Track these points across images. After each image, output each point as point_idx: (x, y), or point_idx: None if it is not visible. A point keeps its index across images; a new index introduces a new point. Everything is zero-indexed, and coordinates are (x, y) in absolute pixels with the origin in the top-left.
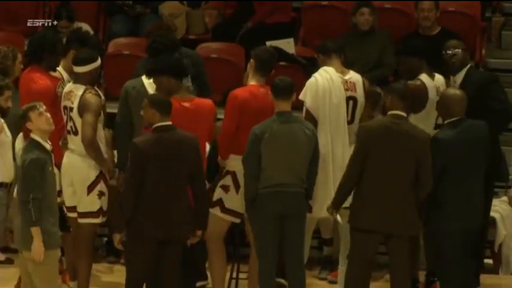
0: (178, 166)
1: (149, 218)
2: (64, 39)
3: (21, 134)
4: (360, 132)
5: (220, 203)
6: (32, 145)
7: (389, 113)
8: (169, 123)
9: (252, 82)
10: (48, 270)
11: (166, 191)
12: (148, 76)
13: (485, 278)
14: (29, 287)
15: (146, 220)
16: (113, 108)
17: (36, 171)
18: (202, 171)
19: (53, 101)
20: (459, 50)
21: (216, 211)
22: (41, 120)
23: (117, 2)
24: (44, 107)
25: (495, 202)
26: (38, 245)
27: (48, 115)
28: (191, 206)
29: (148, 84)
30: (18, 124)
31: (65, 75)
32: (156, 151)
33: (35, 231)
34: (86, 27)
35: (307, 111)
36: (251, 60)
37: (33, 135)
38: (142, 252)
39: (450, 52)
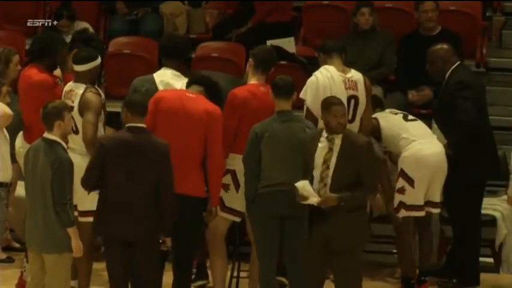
0: (142, 169)
1: (113, 218)
2: (66, 39)
3: (21, 133)
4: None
5: (220, 201)
6: (54, 145)
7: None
8: (141, 125)
9: (252, 81)
10: (66, 271)
11: (128, 193)
12: None
13: (485, 277)
14: (37, 287)
15: (111, 219)
16: (113, 107)
17: (69, 171)
18: (169, 179)
19: (53, 94)
20: (429, 65)
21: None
22: (69, 124)
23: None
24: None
25: (496, 201)
26: (77, 243)
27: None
28: (155, 209)
29: (160, 82)
30: (18, 123)
31: None
32: (118, 150)
33: (73, 231)
34: (86, 26)
35: (308, 110)
36: (250, 59)
37: (52, 136)
38: (112, 251)
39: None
